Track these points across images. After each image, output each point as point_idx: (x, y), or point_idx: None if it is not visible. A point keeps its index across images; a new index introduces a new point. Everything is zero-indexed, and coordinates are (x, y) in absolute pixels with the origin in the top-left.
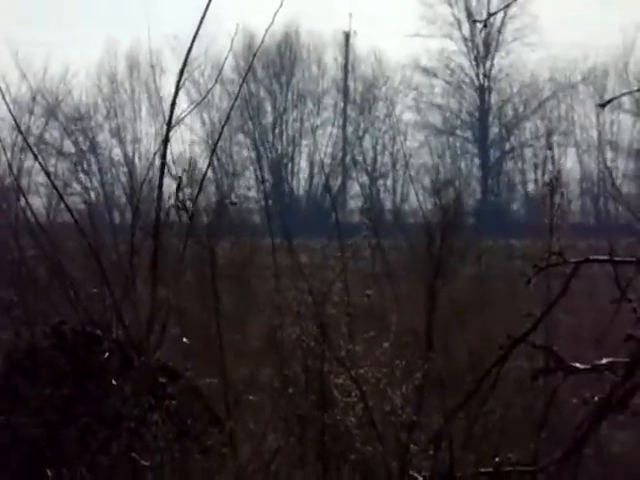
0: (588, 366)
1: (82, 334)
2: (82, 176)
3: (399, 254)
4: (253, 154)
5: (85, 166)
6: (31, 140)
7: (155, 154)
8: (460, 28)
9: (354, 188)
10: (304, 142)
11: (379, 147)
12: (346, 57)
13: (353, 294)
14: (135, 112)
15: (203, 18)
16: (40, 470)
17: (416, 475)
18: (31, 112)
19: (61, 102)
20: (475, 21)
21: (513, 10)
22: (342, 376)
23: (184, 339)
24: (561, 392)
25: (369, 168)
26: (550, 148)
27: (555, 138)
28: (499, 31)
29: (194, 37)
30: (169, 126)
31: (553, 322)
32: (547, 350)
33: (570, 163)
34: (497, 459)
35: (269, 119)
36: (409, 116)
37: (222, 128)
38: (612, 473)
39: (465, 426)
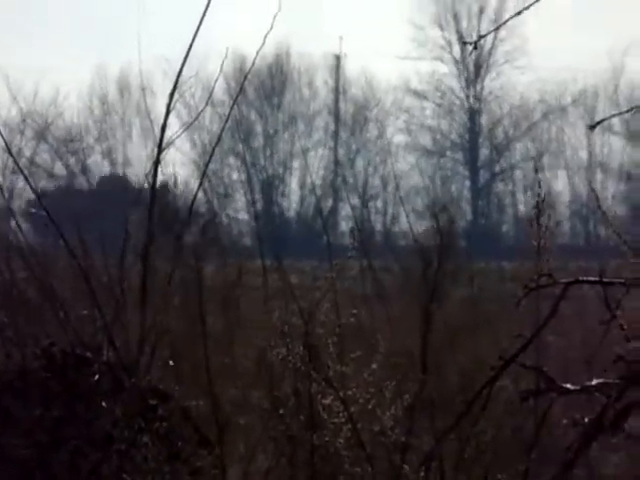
0: (578, 387)
1: (72, 356)
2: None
3: (390, 276)
4: (244, 176)
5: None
6: (22, 162)
7: (146, 176)
8: (451, 50)
9: (345, 210)
10: (295, 164)
11: (370, 169)
12: (337, 79)
13: (342, 315)
14: (126, 134)
15: (194, 40)
16: None
17: None
18: (22, 134)
19: (51, 124)
20: (465, 43)
21: (503, 33)
22: (330, 397)
23: (170, 362)
24: (552, 413)
25: (360, 190)
26: (537, 171)
27: (545, 160)
28: (489, 53)
29: (184, 59)
30: (160, 148)
31: (543, 343)
32: (537, 371)
33: (560, 185)
34: None
35: (260, 141)
36: (400, 138)
37: (213, 150)
38: None
39: (456, 447)
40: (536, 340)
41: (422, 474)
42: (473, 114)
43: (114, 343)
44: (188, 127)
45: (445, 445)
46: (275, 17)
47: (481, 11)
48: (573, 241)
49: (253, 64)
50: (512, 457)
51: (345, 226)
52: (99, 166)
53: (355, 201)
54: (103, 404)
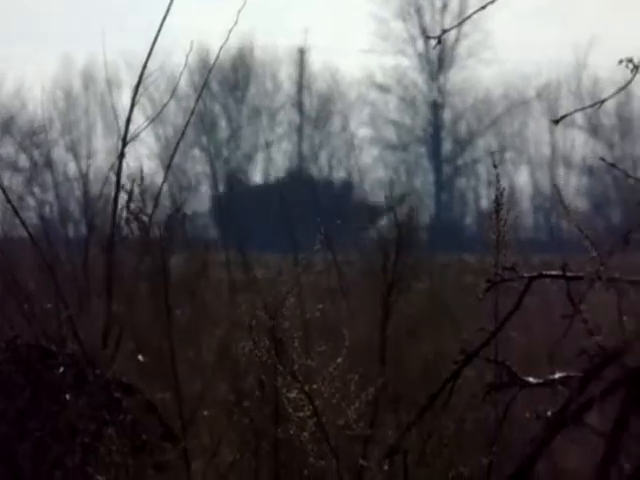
0: (541, 380)
1: (36, 348)
2: (37, 190)
3: (354, 269)
4: (208, 169)
5: (40, 181)
6: None
7: (110, 169)
8: (414, 44)
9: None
10: (259, 157)
11: (334, 162)
12: (301, 73)
13: (308, 309)
14: (90, 127)
15: (158, 33)
16: None
17: None
18: None
19: (15, 117)
20: (429, 37)
21: (467, 27)
22: (295, 390)
23: (139, 356)
24: (514, 407)
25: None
26: (496, 166)
27: (508, 154)
28: (452, 47)
29: (149, 52)
30: (124, 142)
31: (505, 337)
32: (500, 364)
33: (523, 179)
34: (450, 474)
35: (224, 134)
36: (364, 131)
37: (177, 143)
38: None
39: (420, 441)
40: (499, 334)
41: (386, 467)
42: (436, 108)
43: (78, 336)
44: (152, 120)
45: (409, 438)
46: (240, 11)
47: (444, 5)
48: (536, 235)
49: (217, 58)
50: (475, 451)
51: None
52: (63, 159)
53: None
54: (67, 397)
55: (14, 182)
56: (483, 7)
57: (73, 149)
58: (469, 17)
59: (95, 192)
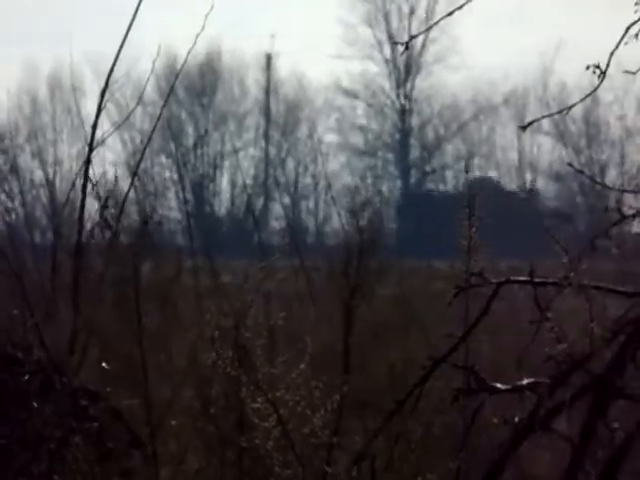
0: (509, 386)
1: (2, 356)
2: (2, 197)
3: (320, 275)
4: (175, 175)
5: (6, 187)
6: None
7: (77, 175)
8: (381, 50)
9: (276, 209)
10: (226, 163)
11: (301, 168)
12: (268, 78)
13: (273, 316)
14: (56, 133)
15: (125, 39)
16: None
17: None
18: None
19: None
20: (396, 43)
21: (434, 33)
22: (260, 399)
23: (103, 364)
24: (482, 413)
25: (291, 189)
26: (467, 171)
27: (476, 160)
28: (420, 53)
29: (116, 58)
30: (90, 148)
31: (474, 343)
32: (468, 370)
33: None
34: None
35: (190, 140)
36: (331, 137)
37: (144, 149)
38: None
39: (387, 447)
40: (467, 340)
41: (354, 474)
42: (403, 114)
43: (44, 342)
44: (119, 126)
45: (376, 444)
46: (207, 16)
47: (412, 11)
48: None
49: (184, 63)
50: (442, 456)
51: (276, 225)
52: (29, 166)
53: (286, 200)
54: (34, 404)
55: None
56: (450, 13)
57: (39, 155)
58: (436, 23)
59: (61, 198)
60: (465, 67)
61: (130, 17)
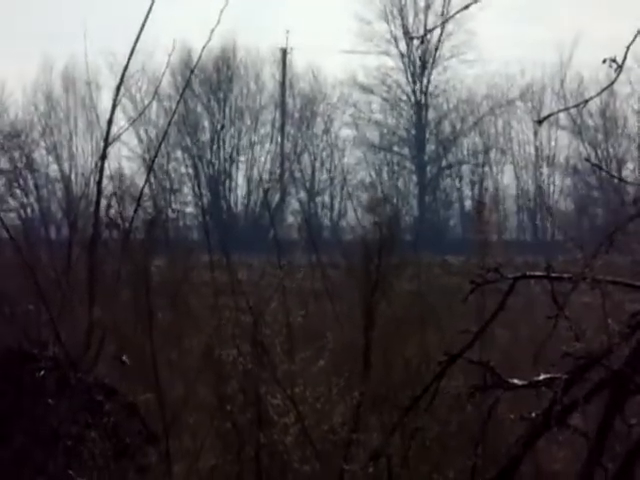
0: (526, 382)
1: (18, 352)
2: (18, 192)
3: (337, 271)
4: (191, 170)
5: (21, 182)
6: None
7: (92, 171)
8: (397, 45)
9: (292, 204)
10: (242, 158)
11: (317, 163)
12: (283, 73)
13: (291, 312)
14: (71, 129)
15: (140, 34)
16: None
17: None
18: None
19: None
20: (412, 38)
21: (450, 27)
22: (279, 396)
23: (123, 358)
24: (499, 409)
25: (307, 184)
26: (482, 165)
27: (492, 154)
28: (436, 48)
29: (131, 53)
30: (106, 143)
31: (490, 338)
32: (485, 366)
33: (507, 179)
34: (435, 477)
35: (207, 135)
36: (347, 132)
37: (159, 144)
38: None
39: (403, 444)
40: (483, 335)
41: (370, 470)
42: (420, 108)
43: (60, 338)
44: (134, 121)
45: (393, 441)
46: (222, 11)
47: (427, 5)
48: (520, 236)
49: (199, 58)
50: (459, 453)
51: (292, 220)
52: (44, 161)
53: (302, 196)
54: (49, 400)
55: None
56: (466, 7)
57: (55, 151)
58: (452, 16)
59: (77, 193)
60: (481, 61)
61: (145, 13)
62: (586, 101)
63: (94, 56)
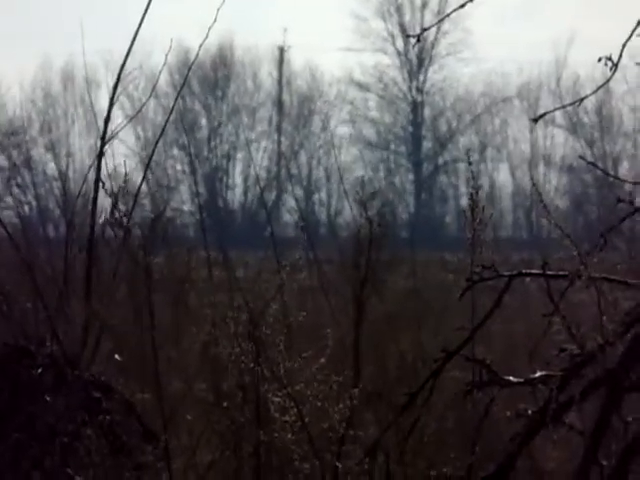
0: (522, 379)
1: (15, 348)
2: (16, 190)
3: (333, 267)
4: (188, 168)
5: (19, 180)
6: None
7: (89, 168)
8: (394, 43)
9: (289, 202)
10: (239, 156)
11: (314, 161)
12: (280, 71)
13: (290, 309)
14: (69, 127)
15: (137, 32)
16: None
17: None
18: None
19: None
20: (408, 36)
21: (446, 25)
22: (279, 394)
23: (116, 356)
24: (496, 405)
25: (304, 182)
26: (471, 163)
27: (488, 152)
28: (432, 46)
29: (128, 51)
30: (103, 141)
31: (486, 335)
32: (481, 363)
33: (503, 177)
34: (432, 473)
35: (204, 133)
36: (344, 130)
37: (156, 142)
38: None
39: (400, 440)
40: (479, 332)
41: (366, 466)
42: (416, 106)
43: (57, 335)
44: (132, 119)
45: (390, 438)
46: (219, 9)
47: (424, 4)
48: (516, 233)
49: (197, 56)
50: (455, 450)
51: (289, 218)
52: (42, 158)
53: (299, 193)
54: (46, 397)
55: None
56: (462, 5)
57: (52, 148)
58: (448, 15)
59: (74, 191)
60: (477, 60)
61: (142, 10)
62: (582, 99)
63: (92, 54)
